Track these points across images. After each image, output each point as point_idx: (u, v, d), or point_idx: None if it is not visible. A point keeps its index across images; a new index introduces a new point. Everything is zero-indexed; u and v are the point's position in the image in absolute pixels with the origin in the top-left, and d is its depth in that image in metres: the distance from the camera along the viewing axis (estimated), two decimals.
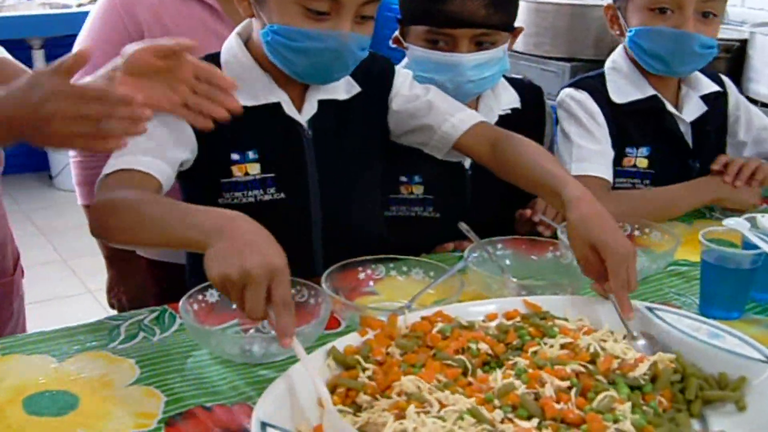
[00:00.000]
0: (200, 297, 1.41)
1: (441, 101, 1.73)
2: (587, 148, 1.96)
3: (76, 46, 1.99)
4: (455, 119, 1.69)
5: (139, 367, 1.31)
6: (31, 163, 5.36)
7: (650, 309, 1.37)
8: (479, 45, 1.82)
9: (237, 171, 1.60)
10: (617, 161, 2.01)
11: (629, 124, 2.02)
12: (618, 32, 2.04)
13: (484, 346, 1.23)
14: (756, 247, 1.48)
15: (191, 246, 1.28)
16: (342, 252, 1.55)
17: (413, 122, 1.71)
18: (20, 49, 5.00)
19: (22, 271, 1.88)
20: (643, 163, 2.03)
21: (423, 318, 1.30)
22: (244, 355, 1.31)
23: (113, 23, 1.95)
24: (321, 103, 1.65)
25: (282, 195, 1.63)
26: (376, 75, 1.72)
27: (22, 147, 1.30)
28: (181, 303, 1.35)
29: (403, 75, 1.75)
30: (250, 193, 1.62)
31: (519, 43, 4.14)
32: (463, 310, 1.35)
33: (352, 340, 1.25)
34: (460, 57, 1.80)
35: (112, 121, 1.27)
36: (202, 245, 1.21)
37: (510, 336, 1.27)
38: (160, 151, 1.50)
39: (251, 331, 1.39)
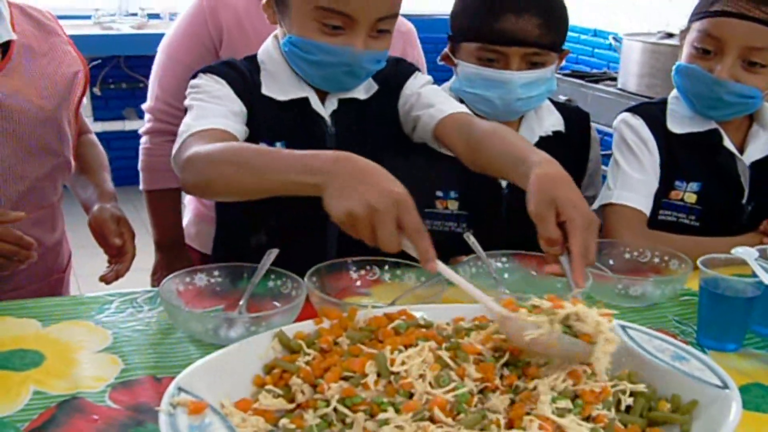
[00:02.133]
0: (188, 279, 1.46)
1: (428, 93, 1.73)
2: (632, 176, 1.93)
3: (165, 39, 2.20)
4: (434, 109, 1.68)
5: (114, 337, 1.37)
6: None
7: (623, 327, 1.33)
8: (529, 64, 1.83)
9: None
10: (664, 193, 1.96)
11: (682, 156, 1.96)
12: None
13: (432, 344, 1.23)
14: None
15: (304, 189, 1.28)
16: (358, 247, 1.57)
17: (410, 118, 1.73)
18: None
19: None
20: (691, 198, 1.96)
21: (385, 314, 1.31)
22: (209, 334, 1.35)
23: (198, 22, 2.11)
24: (341, 101, 1.70)
25: None
26: (394, 76, 1.76)
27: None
28: (164, 281, 1.41)
29: (419, 77, 1.77)
30: None
31: (631, 84, 4.17)
32: (431, 312, 1.35)
33: (305, 327, 1.27)
34: (511, 74, 1.81)
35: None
36: (316, 186, 1.24)
37: (458, 337, 1.26)
38: (231, 116, 1.57)
39: (229, 313, 1.43)
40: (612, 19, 5.26)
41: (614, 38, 4.58)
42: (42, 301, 1.50)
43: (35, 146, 1.74)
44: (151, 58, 2.25)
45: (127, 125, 5.35)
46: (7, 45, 1.71)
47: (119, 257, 1.82)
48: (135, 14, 5.42)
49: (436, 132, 1.66)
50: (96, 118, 5.35)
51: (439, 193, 1.94)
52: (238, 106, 1.62)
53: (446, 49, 1.95)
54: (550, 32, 1.82)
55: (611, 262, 1.73)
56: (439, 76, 1.92)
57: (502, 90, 1.83)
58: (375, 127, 1.73)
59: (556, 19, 1.86)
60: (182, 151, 1.47)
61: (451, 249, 1.89)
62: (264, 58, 1.71)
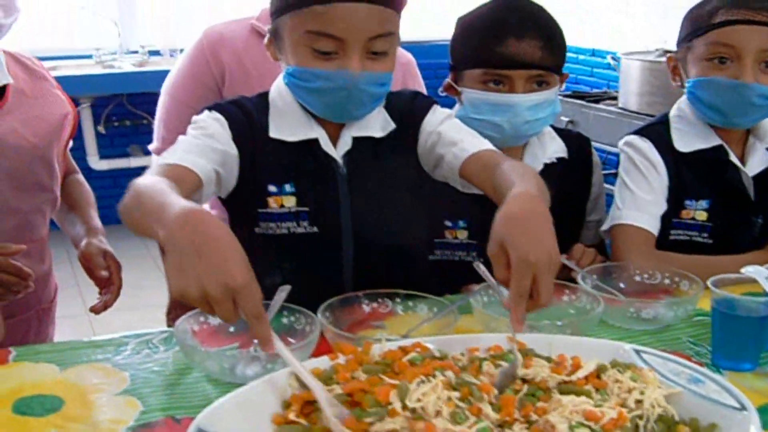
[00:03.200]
0: (202, 318, 1.47)
1: (450, 130, 1.70)
2: (640, 197, 1.94)
3: (167, 80, 2.25)
4: (458, 147, 1.65)
5: (131, 379, 1.38)
6: None
7: (637, 351, 1.34)
8: (534, 86, 1.85)
9: (273, 203, 1.66)
10: (675, 213, 1.97)
11: (690, 175, 1.98)
12: (679, 83, 2.01)
13: (449, 374, 1.24)
14: None
15: (157, 239, 1.21)
16: (374, 286, 1.59)
17: (432, 156, 1.71)
18: None
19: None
20: (702, 215, 1.97)
21: (400, 347, 1.32)
22: (226, 373, 1.35)
23: (199, 63, 2.17)
24: (356, 139, 1.69)
25: (315, 229, 1.67)
26: (411, 112, 1.74)
27: None
28: (178, 321, 1.42)
29: (437, 112, 1.75)
30: (283, 224, 1.67)
31: (632, 102, 4.19)
32: (445, 343, 1.36)
33: (321, 363, 1.28)
34: (517, 97, 1.83)
35: None
36: (162, 242, 1.18)
37: (473, 368, 1.26)
38: (202, 153, 1.56)
39: (245, 351, 1.44)
40: (609, 39, 5.28)
41: (612, 58, 4.60)
42: (58, 345, 1.51)
43: (28, 182, 1.85)
44: (154, 95, 2.28)
45: (132, 162, 5.38)
46: (2, 88, 1.80)
47: (107, 288, 1.94)
48: (136, 52, 5.45)
49: (462, 172, 1.63)
50: (101, 156, 5.39)
51: (449, 223, 1.95)
52: (228, 148, 1.62)
53: (448, 79, 1.97)
54: (552, 54, 1.85)
55: (622, 285, 1.74)
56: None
57: (509, 114, 1.84)
58: (389, 166, 1.71)
59: (556, 41, 1.88)
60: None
61: (461, 278, 1.91)
62: (275, 96, 1.71)
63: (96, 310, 1.93)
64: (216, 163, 1.59)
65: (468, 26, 1.93)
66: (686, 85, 1.95)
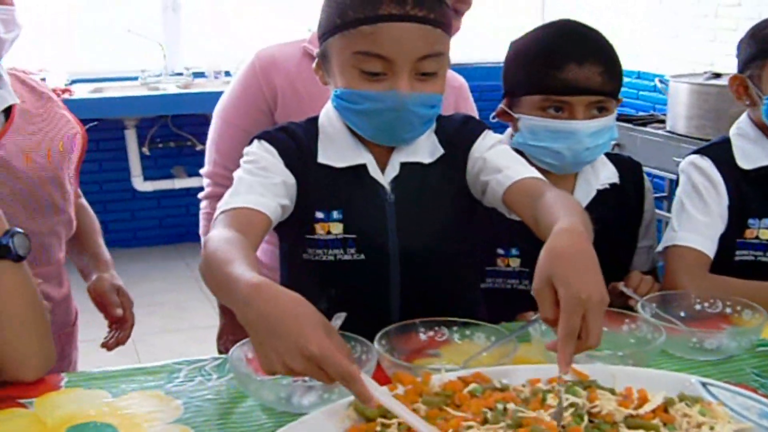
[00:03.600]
0: None
1: (497, 156, 1.66)
2: (697, 219, 1.91)
3: (219, 103, 2.24)
4: (502, 174, 1.61)
5: (185, 407, 1.36)
6: None
7: (704, 384, 1.30)
8: (594, 112, 1.82)
9: (320, 229, 1.64)
10: (739, 233, 1.94)
11: (753, 194, 1.94)
12: (748, 102, 1.97)
13: (511, 406, 1.21)
14: None
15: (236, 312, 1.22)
16: (422, 312, 1.56)
17: (479, 183, 1.67)
18: (116, 129, 5.33)
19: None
20: (766, 234, 1.93)
21: (459, 378, 1.29)
22: (282, 403, 1.33)
23: (252, 85, 2.15)
24: (404, 165, 1.66)
25: (362, 256, 1.65)
26: (461, 137, 1.71)
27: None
28: (232, 350, 1.40)
29: (488, 138, 1.71)
30: (330, 251, 1.64)
31: (680, 126, 4.14)
32: (505, 373, 1.33)
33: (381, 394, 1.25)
34: (578, 124, 1.80)
35: None
36: (238, 317, 1.19)
37: (536, 400, 1.23)
38: (266, 191, 1.55)
39: (299, 381, 1.41)
40: (655, 61, 5.24)
41: (660, 80, 4.55)
42: (110, 371, 1.49)
43: (41, 204, 1.82)
44: (198, 117, 2.29)
45: (177, 183, 5.40)
46: (8, 109, 1.79)
47: (120, 325, 1.97)
48: (180, 74, 5.49)
49: (505, 199, 1.59)
50: (146, 178, 5.42)
51: (500, 251, 1.91)
52: (285, 178, 1.60)
53: (502, 105, 1.94)
54: (611, 79, 1.82)
55: (682, 313, 1.70)
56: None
57: (570, 140, 1.81)
58: (438, 192, 1.68)
59: (616, 66, 1.85)
60: (211, 230, 1.48)
61: (514, 306, 1.88)
62: (324, 120, 1.69)
63: (109, 346, 1.95)
64: (280, 196, 1.58)
65: (524, 51, 1.90)
66: (765, 101, 1.90)
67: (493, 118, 1.96)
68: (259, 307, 1.15)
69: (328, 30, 1.57)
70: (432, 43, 1.53)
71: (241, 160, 1.65)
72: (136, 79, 5.37)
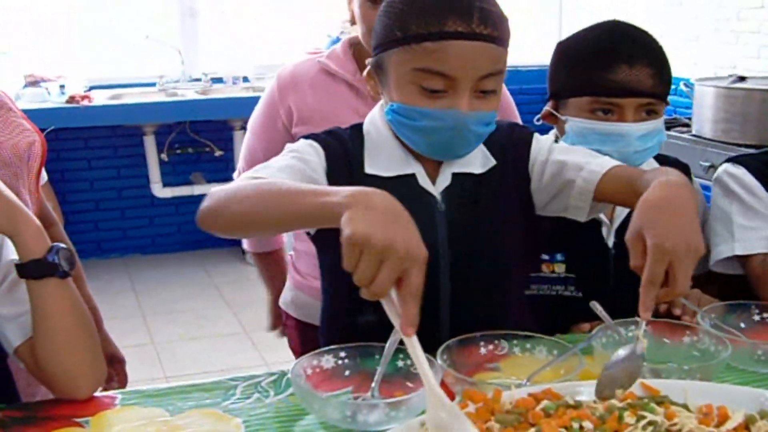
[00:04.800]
0: (315, 362, 1.42)
1: (571, 155, 1.61)
2: (749, 226, 1.87)
3: (252, 116, 2.30)
4: (590, 167, 1.56)
5: (245, 426, 1.33)
6: (226, 240, 5.64)
7: None
8: (644, 115, 1.79)
9: None
10: None
11: None
12: None
13: (588, 425, 1.17)
14: None
15: (325, 215, 1.23)
16: (471, 327, 1.52)
17: (552, 188, 1.62)
18: (135, 135, 5.33)
19: None
20: None
21: (530, 395, 1.26)
22: (346, 421, 1.30)
23: (270, 106, 2.22)
24: (455, 176, 1.62)
25: None
26: (512, 146, 1.67)
27: None
28: (293, 366, 1.37)
29: (541, 141, 1.67)
30: None
31: (707, 130, 4.10)
32: (575, 389, 1.29)
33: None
34: (628, 126, 1.77)
35: None
36: (339, 205, 1.20)
37: (612, 419, 1.19)
38: (290, 175, 1.50)
39: (359, 399, 1.39)
40: (676, 64, 5.19)
41: (685, 84, 4.51)
42: (164, 389, 1.47)
43: None
44: (216, 123, 2.30)
45: (195, 190, 5.37)
46: None
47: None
48: (198, 80, 5.47)
49: (599, 191, 1.54)
50: (164, 184, 5.40)
51: (545, 257, 1.88)
52: (317, 176, 1.56)
53: (547, 107, 1.91)
54: (662, 81, 1.79)
55: (742, 324, 1.66)
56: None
57: (619, 143, 1.78)
58: (489, 203, 1.64)
59: (666, 68, 1.83)
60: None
61: (559, 313, 1.85)
62: (370, 128, 1.65)
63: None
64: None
65: (572, 53, 1.87)
66: None
67: (538, 120, 1.93)
68: (390, 200, 1.21)
69: (386, 42, 1.52)
70: (494, 62, 1.49)
71: (284, 151, 1.61)
72: (154, 85, 5.36)
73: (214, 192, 1.41)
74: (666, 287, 1.24)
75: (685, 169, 2.00)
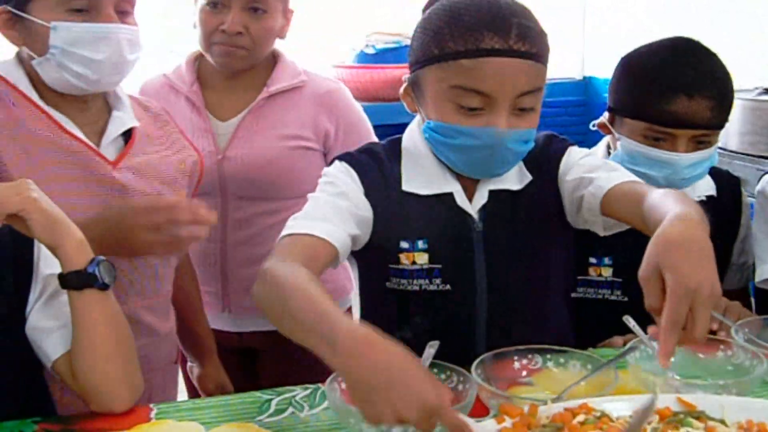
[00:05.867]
0: None
1: (588, 169, 1.59)
2: None
3: None
4: (597, 182, 1.53)
5: None
6: None
7: None
8: (696, 144, 1.78)
9: (405, 259, 1.59)
10: None
11: None
12: None
13: None
14: None
15: (323, 357, 1.18)
16: (507, 344, 1.51)
17: (574, 202, 1.61)
18: None
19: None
20: None
21: (566, 409, 1.26)
22: None
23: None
24: (492, 193, 1.61)
25: (448, 286, 1.60)
26: (547, 161, 1.65)
27: None
28: (328, 380, 1.37)
29: (572, 155, 1.65)
30: (415, 281, 1.60)
31: (733, 142, 4.08)
32: (611, 404, 1.29)
33: (489, 427, 1.22)
34: (678, 157, 1.77)
35: (180, 228, 1.53)
36: (334, 368, 1.18)
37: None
38: (339, 220, 1.51)
39: None
40: None
41: None
42: (199, 402, 1.47)
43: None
44: None
45: None
46: (129, 132, 1.76)
47: None
48: None
49: (604, 208, 1.52)
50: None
51: (593, 260, 1.88)
52: (361, 207, 1.57)
53: (604, 118, 1.92)
54: (721, 113, 1.78)
55: None
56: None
57: (667, 170, 1.78)
58: (526, 219, 1.63)
59: (727, 99, 1.81)
60: (275, 250, 1.46)
61: (605, 317, 1.83)
62: (408, 144, 1.65)
63: None
64: (352, 226, 1.54)
65: (634, 71, 1.85)
66: None
67: (593, 126, 1.93)
68: (373, 361, 1.11)
69: (423, 59, 1.52)
70: (533, 79, 1.49)
71: (320, 180, 1.62)
72: None
73: (264, 277, 1.37)
74: (683, 331, 1.16)
75: (735, 181, 1.99)
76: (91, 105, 1.72)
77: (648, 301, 1.20)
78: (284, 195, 2.09)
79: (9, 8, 1.63)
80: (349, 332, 1.15)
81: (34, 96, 1.67)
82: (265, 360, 2.25)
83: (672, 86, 1.75)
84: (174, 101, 2.12)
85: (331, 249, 1.48)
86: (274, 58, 2.20)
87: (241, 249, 2.10)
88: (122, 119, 1.74)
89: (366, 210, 1.58)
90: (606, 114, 1.91)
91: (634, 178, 1.57)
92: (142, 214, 1.56)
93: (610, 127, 1.88)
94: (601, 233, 1.60)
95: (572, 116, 5.21)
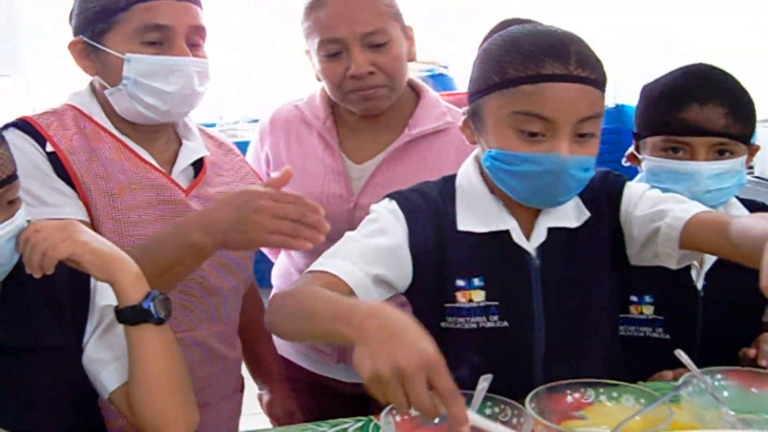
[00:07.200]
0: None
1: (657, 202, 1.60)
2: None
3: None
4: (674, 213, 1.53)
5: None
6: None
7: None
8: (717, 154, 1.79)
9: (461, 297, 1.60)
10: None
11: None
12: None
13: None
14: None
15: (338, 338, 1.27)
16: (562, 376, 1.50)
17: (642, 237, 1.60)
18: None
19: None
20: None
21: None
22: None
23: (255, 150, 2.19)
24: (550, 230, 1.62)
25: (505, 323, 1.60)
26: (605, 197, 1.66)
27: None
28: (383, 413, 1.37)
29: (633, 190, 1.65)
30: (472, 319, 1.60)
31: None
32: None
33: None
34: (698, 165, 1.77)
35: (301, 225, 1.49)
36: (348, 340, 1.22)
37: None
38: (361, 260, 1.53)
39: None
40: None
41: None
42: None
43: (227, 259, 1.78)
44: None
45: None
46: (198, 162, 1.78)
47: None
48: (256, 120, 5.51)
49: (684, 237, 1.51)
50: None
51: (634, 298, 1.88)
52: (400, 249, 1.58)
53: (631, 149, 1.93)
54: (736, 122, 1.78)
55: None
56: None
57: (690, 182, 1.78)
58: (586, 257, 1.63)
59: (743, 109, 1.82)
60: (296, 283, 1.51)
61: (646, 356, 1.83)
62: (463, 182, 1.65)
63: None
64: (377, 267, 1.55)
65: (651, 94, 1.89)
66: None
67: (626, 162, 1.94)
68: (385, 318, 1.19)
69: (484, 87, 1.53)
70: (593, 104, 1.50)
71: (366, 218, 1.63)
72: (214, 125, 5.42)
73: (271, 303, 1.47)
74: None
75: None
76: (161, 135, 1.76)
77: None
78: None
79: (85, 38, 1.67)
80: (366, 306, 1.25)
81: (108, 125, 1.70)
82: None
83: (684, 95, 1.79)
84: (305, 135, 2.06)
85: (344, 287, 1.50)
86: (415, 93, 2.08)
87: None
88: (193, 149, 1.78)
89: (403, 249, 1.59)
90: (633, 145, 1.93)
91: (707, 208, 1.57)
92: (271, 199, 1.51)
93: (636, 154, 1.90)
94: (674, 266, 1.59)
95: (605, 144, 5.21)
